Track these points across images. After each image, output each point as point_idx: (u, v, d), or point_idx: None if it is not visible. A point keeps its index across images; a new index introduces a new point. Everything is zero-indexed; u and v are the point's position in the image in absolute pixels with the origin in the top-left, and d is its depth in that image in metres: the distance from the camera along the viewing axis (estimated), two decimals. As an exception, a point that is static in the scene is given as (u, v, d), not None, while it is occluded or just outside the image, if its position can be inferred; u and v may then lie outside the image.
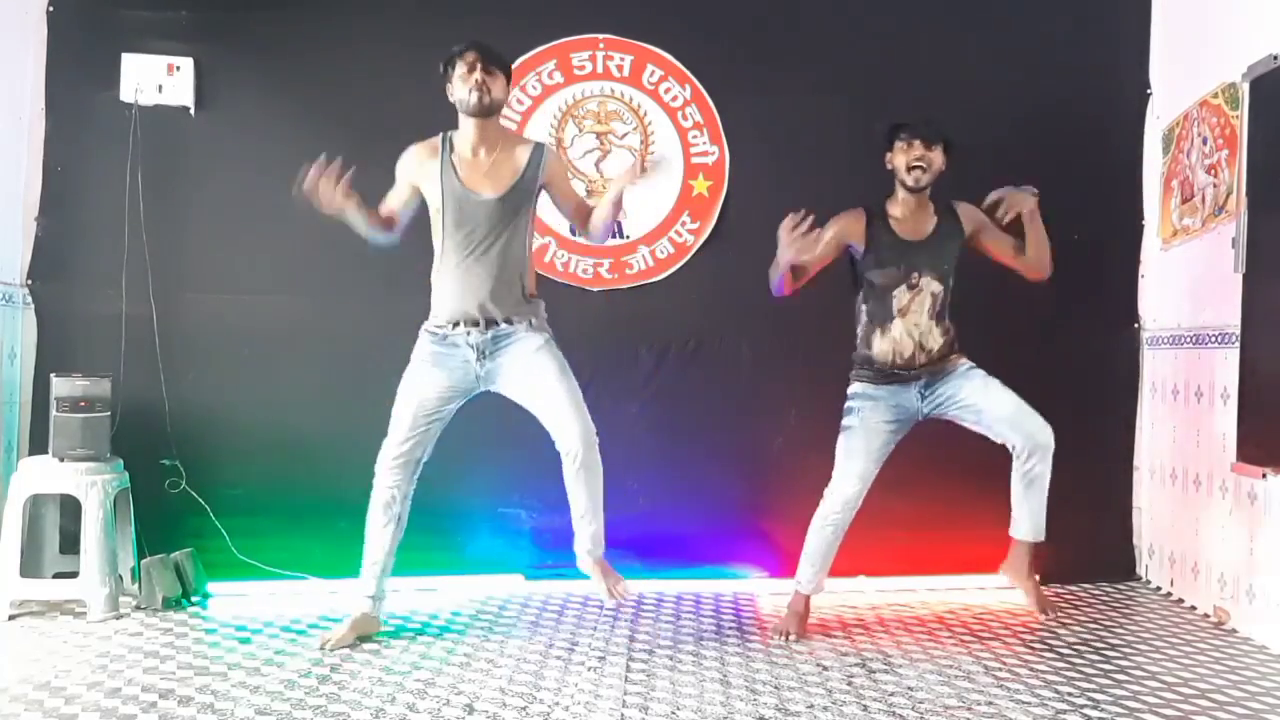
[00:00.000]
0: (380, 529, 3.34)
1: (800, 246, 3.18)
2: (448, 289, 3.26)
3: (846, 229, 3.41)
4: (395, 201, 3.34)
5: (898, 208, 3.42)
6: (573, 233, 4.03)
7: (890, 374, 3.40)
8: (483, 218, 3.21)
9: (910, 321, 3.38)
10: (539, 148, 3.32)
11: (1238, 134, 3.60)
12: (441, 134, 3.29)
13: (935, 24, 4.24)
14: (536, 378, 3.25)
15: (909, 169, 3.33)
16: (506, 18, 4.12)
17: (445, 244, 3.25)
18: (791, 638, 3.39)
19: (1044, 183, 4.19)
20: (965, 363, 3.44)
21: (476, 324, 3.23)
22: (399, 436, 3.29)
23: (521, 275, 3.29)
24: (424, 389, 3.27)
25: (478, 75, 3.16)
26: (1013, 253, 3.51)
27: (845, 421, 3.44)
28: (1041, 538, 3.47)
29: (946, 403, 3.41)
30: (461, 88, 3.18)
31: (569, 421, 3.23)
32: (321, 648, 3.21)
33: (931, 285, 3.38)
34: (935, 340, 3.39)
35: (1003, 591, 3.97)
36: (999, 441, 3.42)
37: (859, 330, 3.47)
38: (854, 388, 3.45)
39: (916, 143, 3.32)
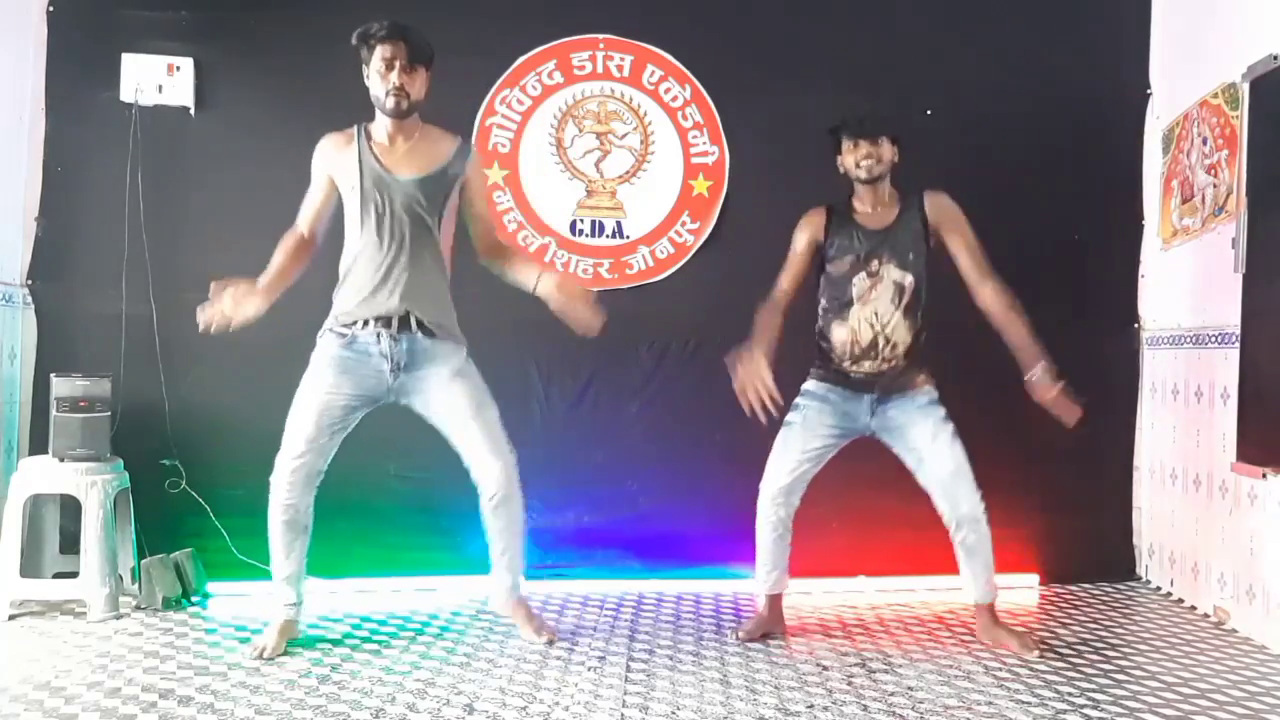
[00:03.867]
0: (289, 544, 3.14)
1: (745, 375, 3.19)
2: (361, 282, 3.06)
3: (813, 230, 3.38)
4: (314, 202, 3.16)
5: (859, 200, 3.37)
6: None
7: (846, 375, 3.32)
8: (401, 202, 3.05)
9: (870, 309, 3.29)
10: (465, 144, 3.21)
11: (1238, 134, 3.60)
12: (356, 125, 3.16)
13: (935, 24, 4.24)
14: (452, 411, 3.12)
15: (858, 164, 3.28)
16: (506, 18, 4.12)
17: (362, 232, 3.07)
18: (740, 637, 3.37)
19: (1044, 183, 4.22)
20: (928, 392, 3.31)
21: (389, 324, 3.05)
22: (297, 449, 3.08)
23: (443, 275, 3.15)
24: (328, 397, 3.07)
25: (394, 78, 3.01)
26: (971, 273, 3.31)
27: (789, 417, 3.35)
28: (992, 598, 3.38)
29: (894, 432, 3.31)
30: (378, 84, 3.03)
31: (487, 462, 3.14)
32: (259, 656, 3.06)
33: (894, 274, 3.29)
34: (902, 335, 3.28)
35: (1003, 592, 3.96)
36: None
37: (818, 325, 3.40)
38: (807, 384, 3.38)
39: (862, 142, 3.27)
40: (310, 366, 3.12)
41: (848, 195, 3.39)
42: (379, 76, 3.03)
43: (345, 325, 3.08)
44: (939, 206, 3.34)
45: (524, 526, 3.29)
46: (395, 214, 3.06)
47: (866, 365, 3.29)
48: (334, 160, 3.13)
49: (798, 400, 3.37)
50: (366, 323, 3.06)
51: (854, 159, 3.29)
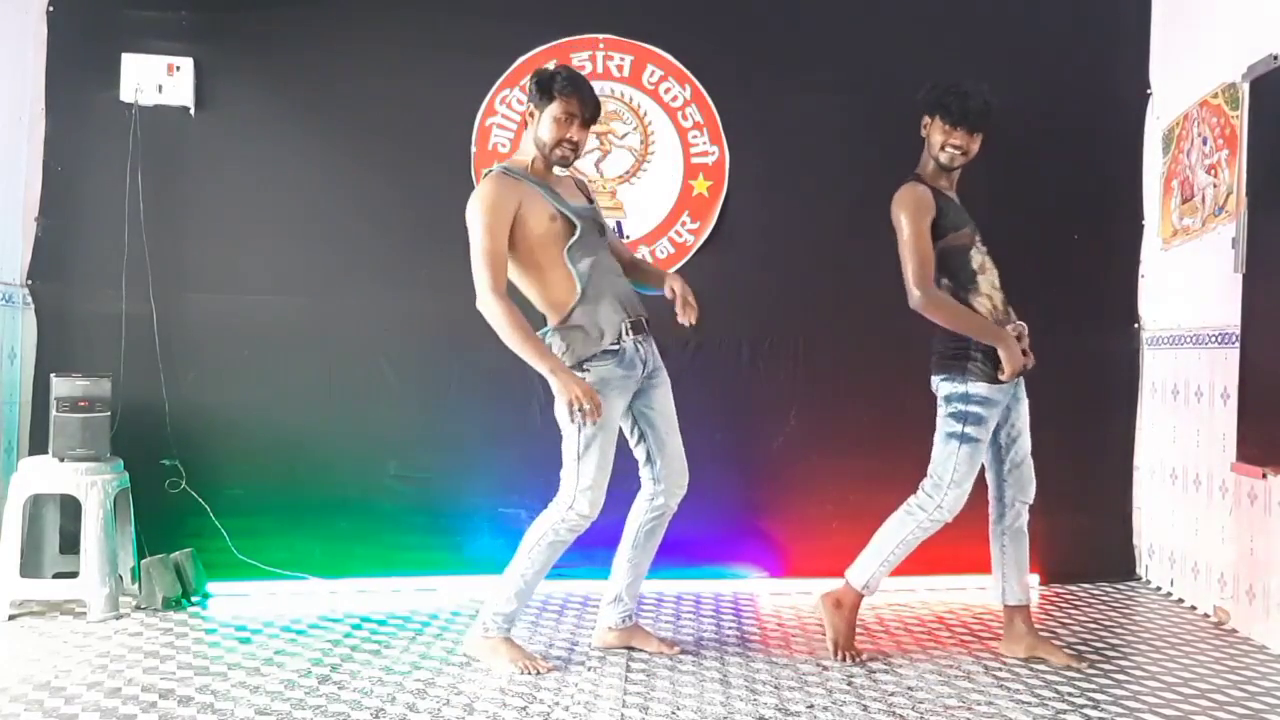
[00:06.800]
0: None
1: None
2: (603, 299, 3.02)
3: (927, 206, 3.08)
4: (505, 252, 2.99)
5: (936, 178, 3.18)
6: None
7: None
8: (591, 225, 3.08)
9: (991, 278, 3.16)
10: (580, 182, 3.30)
11: (1238, 134, 3.60)
12: (500, 168, 3.05)
13: (935, 24, 4.24)
14: (673, 414, 3.18)
15: (943, 148, 3.13)
16: (507, 18, 4.12)
17: (576, 258, 3.01)
18: (860, 658, 3.20)
19: (1044, 183, 4.22)
20: None
21: (636, 324, 3.06)
22: (605, 475, 3.02)
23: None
24: (615, 419, 3.05)
25: (573, 134, 3.01)
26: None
27: (969, 430, 3.07)
28: (1029, 600, 3.31)
29: (1012, 409, 3.17)
30: (553, 133, 3.00)
31: (683, 473, 3.19)
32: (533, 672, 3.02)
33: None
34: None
35: (1003, 591, 3.97)
36: (992, 481, 3.24)
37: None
38: (976, 388, 3.06)
39: (960, 130, 3.10)
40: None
41: (915, 175, 3.18)
42: (556, 125, 3.00)
43: (613, 345, 3.02)
44: None
45: None
46: (593, 236, 3.07)
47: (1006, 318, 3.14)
48: (519, 198, 3.01)
49: (974, 409, 3.08)
50: (624, 332, 3.03)
51: (943, 141, 3.12)
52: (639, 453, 3.21)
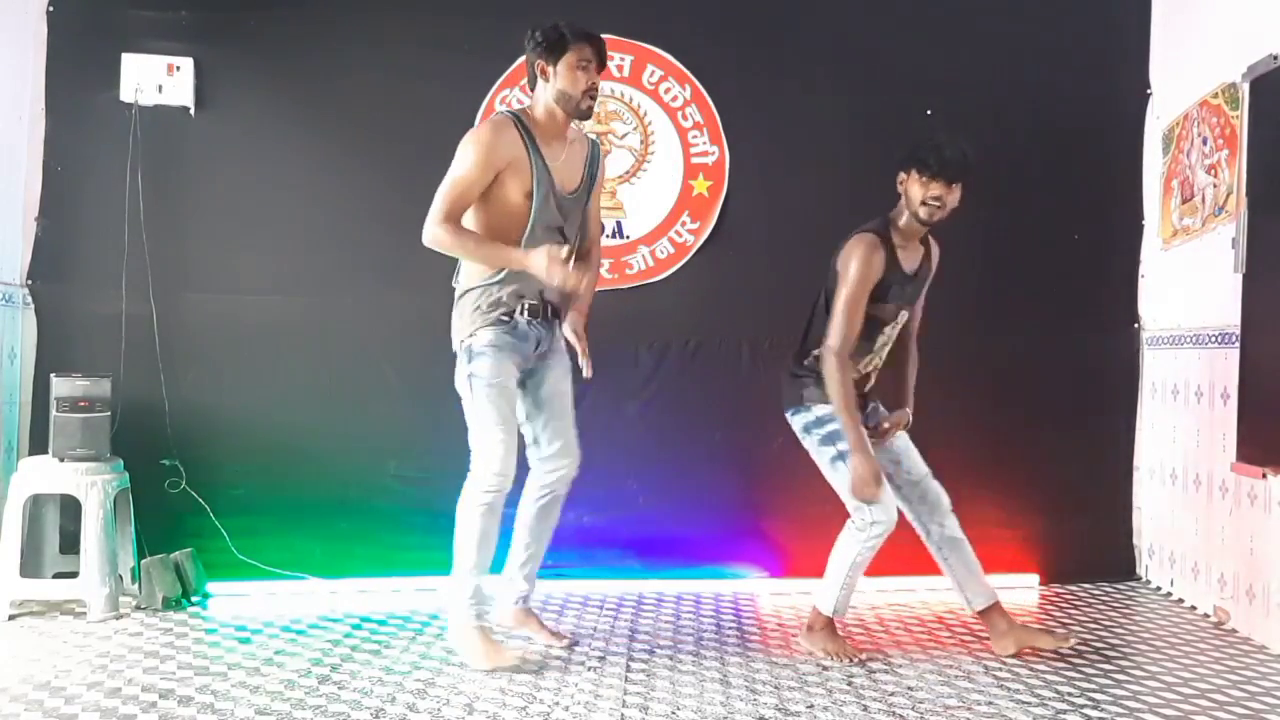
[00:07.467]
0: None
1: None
2: (515, 282, 3.03)
3: (878, 265, 3.08)
4: (475, 195, 2.98)
5: (901, 235, 3.14)
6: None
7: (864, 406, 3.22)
8: (562, 213, 3.07)
9: (875, 359, 3.23)
10: (595, 145, 3.22)
11: (1238, 134, 3.60)
12: (510, 115, 3.04)
13: (935, 24, 4.24)
14: (566, 395, 3.20)
15: (923, 203, 3.06)
16: (506, 18, 4.10)
17: (526, 235, 3.01)
18: (848, 660, 3.18)
19: (1044, 182, 4.22)
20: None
21: (534, 308, 3.07)
22: (514, 435, 3.01)
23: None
24: (509, 379, 3.04)
25: (595, 79, 3.01)
26: (918, 325, 3.35)
27: (841, 447, 3.11)
28: (996, 594, 3.30)
29: (884, 442, 3.24)
30: (572, 82, 2.98)
31: (567, 454, 3.18)
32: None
33: (904, 321, 3.24)
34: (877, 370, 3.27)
35: (1003, 591, 3.95)
36: (903, 508, 3.21)
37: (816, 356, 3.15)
38: (820, 410, 3.13)
39: (938, 182, 3.03)
40: (483, 359, 3.01)
41: (884, 222, 3.15)
42: (573, 73, 2.99)
43: (505, 315, 3.04)
44: (935, 260, 3.28)
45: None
46: (554, 224, 3.06)
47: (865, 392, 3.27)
48: (509, 153, 2.98)
49: (831, 428, 3.12)
50: (522, 310, 3.06)
51: (922, 195, 3.05)
52: (526, 431, 3.19)
